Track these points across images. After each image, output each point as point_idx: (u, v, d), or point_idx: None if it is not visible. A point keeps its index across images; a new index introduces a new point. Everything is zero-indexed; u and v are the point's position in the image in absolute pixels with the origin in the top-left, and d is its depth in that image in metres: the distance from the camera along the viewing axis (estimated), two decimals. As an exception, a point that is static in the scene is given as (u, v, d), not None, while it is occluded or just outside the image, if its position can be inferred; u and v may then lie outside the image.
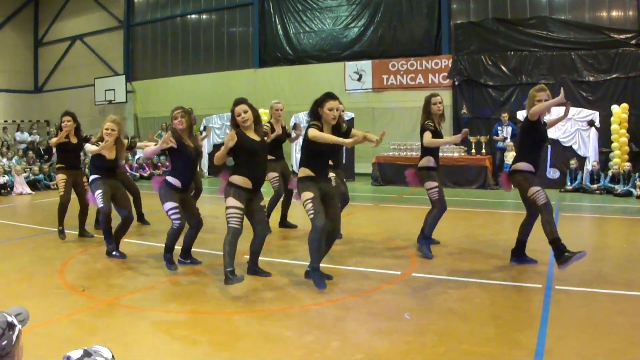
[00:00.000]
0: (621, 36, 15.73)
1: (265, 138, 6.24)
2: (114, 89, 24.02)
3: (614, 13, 16.18)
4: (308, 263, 6.03)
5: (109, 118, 7.51)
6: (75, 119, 8.81)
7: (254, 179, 5.99)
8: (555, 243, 6.08)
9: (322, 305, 5.38)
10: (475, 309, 5.26)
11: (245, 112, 5.96)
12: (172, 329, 4.81)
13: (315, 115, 5.89)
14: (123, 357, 4.05)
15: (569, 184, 14.61)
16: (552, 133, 15.16)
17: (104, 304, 5.54)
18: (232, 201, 5.91)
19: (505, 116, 15.77)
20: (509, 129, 15.59)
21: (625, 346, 4.32)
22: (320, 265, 6.01)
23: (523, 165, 6.42)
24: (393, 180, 16.09)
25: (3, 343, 1.88)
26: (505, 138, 15.55)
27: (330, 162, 6.52)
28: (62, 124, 8.62)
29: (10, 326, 1.93)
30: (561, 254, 6.02)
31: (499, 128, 15.85)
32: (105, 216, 7.34)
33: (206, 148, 19.37)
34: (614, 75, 15.65)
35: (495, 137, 15.81)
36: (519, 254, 6.68)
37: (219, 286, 5.99)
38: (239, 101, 6.04)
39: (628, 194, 13.67)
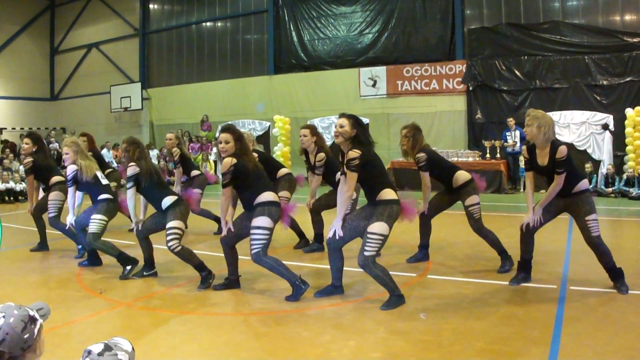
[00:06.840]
0: (635, 39, 15.63)
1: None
2: (129, 96, 24.23)
3: (627, 17, 16.10)
4: (322, 266, 5.99)
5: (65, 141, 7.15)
6: (35, 141, 8.04)
7: None
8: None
9: (339, 306, 5.43)
10: (490, 309, 5.29)
11: (227, 142, 5.69)
12: (191, 330, 4.87)
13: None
14: (143, 357, 4.11)
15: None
16: (566, 137, 15.19)
17: (122, 305, 5.64)
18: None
19: (511, 121, 15.76)
20: (517, 132, 15.52)
21: (641, 345, 4.34)
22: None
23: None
24: (408, 185, 16.04)
25: (25, 336, 1.94)
26: (516, 142, 15.52)
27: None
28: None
29: (32, 320, 1.99)
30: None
31: (507, 134, 15.85)
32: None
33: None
34: (627, 79, 15.55)
35: (505, 144, 15.79)
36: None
37: (235, 289, 6.06)
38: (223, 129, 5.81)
39: (643, 197, 13.64)
